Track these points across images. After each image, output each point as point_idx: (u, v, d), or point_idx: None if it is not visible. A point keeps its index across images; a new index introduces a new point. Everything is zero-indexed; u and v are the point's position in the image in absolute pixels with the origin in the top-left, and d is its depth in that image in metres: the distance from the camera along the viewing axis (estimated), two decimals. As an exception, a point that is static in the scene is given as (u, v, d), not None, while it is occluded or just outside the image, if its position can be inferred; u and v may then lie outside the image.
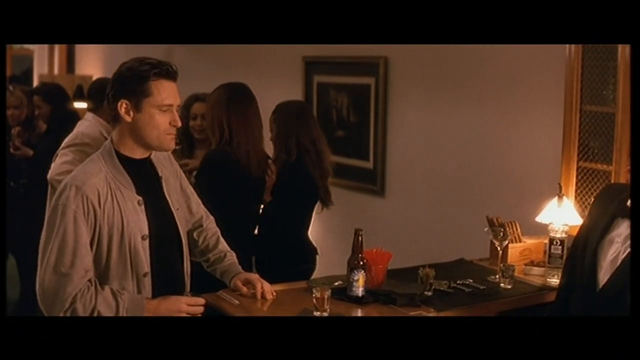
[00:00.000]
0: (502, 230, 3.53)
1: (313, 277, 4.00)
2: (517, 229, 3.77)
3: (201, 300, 2.74)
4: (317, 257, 4.41)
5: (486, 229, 3.59)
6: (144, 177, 2.73)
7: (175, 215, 2.82)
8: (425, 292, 3.18)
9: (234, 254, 3.13)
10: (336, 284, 3.23)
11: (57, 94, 5.80)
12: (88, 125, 4.19)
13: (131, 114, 2.63)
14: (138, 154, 2.71)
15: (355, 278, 3.06)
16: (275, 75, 6.26)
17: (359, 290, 3.07)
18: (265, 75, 6.32)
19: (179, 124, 2.69)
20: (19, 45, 11.53)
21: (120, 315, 2.57)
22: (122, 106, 2.63)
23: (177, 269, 2.84)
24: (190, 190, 3.08)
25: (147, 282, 2.68)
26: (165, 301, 2.68)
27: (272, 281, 3.12)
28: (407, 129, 5.09)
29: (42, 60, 10.48)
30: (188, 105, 4.59)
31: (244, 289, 3.03)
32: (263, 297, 3.02)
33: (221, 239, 3.15)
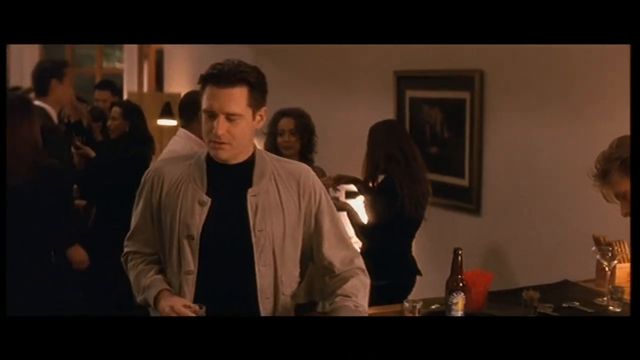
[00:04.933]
0: (610, 249, 3.38)
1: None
2: (625, 248, 3.60)
3: (195, 307, 2.63)
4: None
5: (593, 249, 3.44)
6: (226, 181, 2.73)
7: (251, 227, 2.70)
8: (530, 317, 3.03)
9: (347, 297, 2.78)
10: (433, 307, 3.12)
11: (136, 113, 5.87)
12: (178, 142, 4.15)
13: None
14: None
15: (455, 301, 2.92)
16: (366, 91, 6.17)
17: (458, 313, 2.93)
18: (355, 90, 6.24)
19: (219, 132, 2.59)
20: (110, 64, 11.82)
21: (141, 286, 2.77)
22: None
23: (236, 274, 2.74)
24: (330, 230, 2.82)
25: (191, 280, 2.72)
26: (166, 295, 2.73)
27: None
28: (504, 145, 4.93)
29: (132, 79, 10.65)
30: (275, 121, 4.53)
31: None
32: None
33: (351, 281, 2.80)
